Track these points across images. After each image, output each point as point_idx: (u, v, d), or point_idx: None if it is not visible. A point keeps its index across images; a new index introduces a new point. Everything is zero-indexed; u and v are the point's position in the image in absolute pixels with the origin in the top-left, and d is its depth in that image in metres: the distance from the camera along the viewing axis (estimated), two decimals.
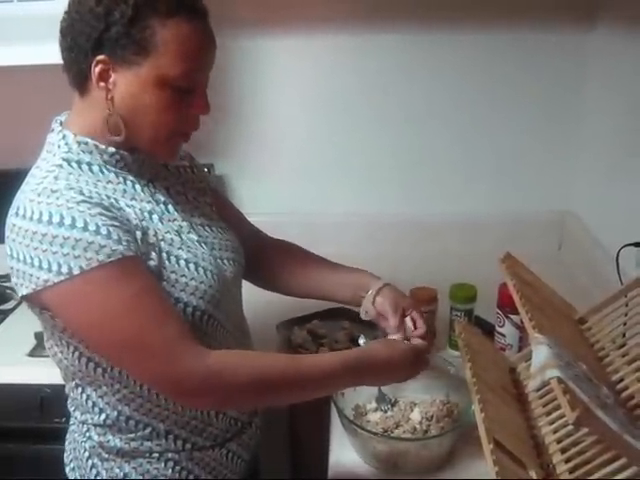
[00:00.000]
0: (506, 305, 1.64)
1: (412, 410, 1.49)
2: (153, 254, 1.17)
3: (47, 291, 1.10)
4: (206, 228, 1.34)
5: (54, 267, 1.07)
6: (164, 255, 1.19)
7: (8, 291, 2.14)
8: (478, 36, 2.09)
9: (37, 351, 1.81)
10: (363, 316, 1.47)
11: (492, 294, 1.70)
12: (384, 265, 2.08)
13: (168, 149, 1.26)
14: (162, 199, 1.27)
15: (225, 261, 1.33)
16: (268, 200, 2.24)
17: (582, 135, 2.17)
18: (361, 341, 1.48)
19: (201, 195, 1.42)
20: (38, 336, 1.83)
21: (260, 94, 2.17)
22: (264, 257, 1.55)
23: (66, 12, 1.17)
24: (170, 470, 1.30)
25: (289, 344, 1.77)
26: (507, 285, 1.46)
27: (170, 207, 1.27)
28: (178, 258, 1.21)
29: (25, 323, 1.80)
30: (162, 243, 1.20)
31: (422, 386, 1.53)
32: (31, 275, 1.10)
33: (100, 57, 1.13)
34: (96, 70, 1.14)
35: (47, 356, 1.74)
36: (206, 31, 1.19)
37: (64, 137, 1.21)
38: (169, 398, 1.23)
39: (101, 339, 1.14)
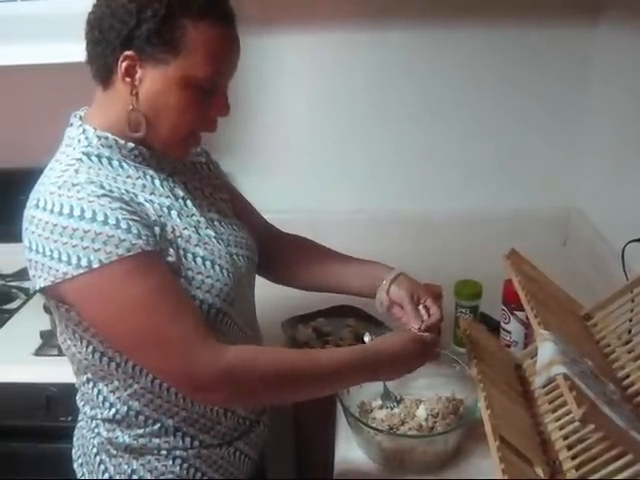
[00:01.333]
0: (511, 301, 1.64)
1: (418, 407, 1.49)
2: (171, 250, 1.18)
3: (66, 284, 1.10)
4: (222, 224, 1.34)
5: (73, 260, 1.08)
6: (181, 252, 1.20)
7: (14, 290, 2.14)
8: (482, 33, 2.08)
9: (43, 350, 1.81)
10: (378, 307, 1.46)
11: (497, 291, 1.69)
12: (388, 262, 2.07)
13: (182, 148, 1.27)
14: (181, 194, 1.28)
15: (240, 258, 1.33)
16: (272, 197, 2.23)
17: (587, 131, 2.16)
18: (366, 338, 1.48)
19: (217, 191, 1.42)
20: (44, 335, 1.83)
21: (265, 91, 2.17)
22: (277, 251, 1.55)
23: (95, 5, 1.18)
24: (178, 467, 1.30)
25: (294, 342, 1.77)
26: (512, 281, 1.46)
27: (188, 202, 1.28)
28: (195, 255, 1.21)
29: (31, 322, 1.81)
30: (180, 240, 1.20)
31: (428, 383, 1.53)
32: (50, 267, 1.10)
33: (128, 53, 1.14)
34: (123, 65, 1.14)
35: (53, 355, 1.77)
36: (234, 35, 1.20)
37: (84, 131, 1.21)
38: (186, 394, 1.24)
39: (118, 333, 1.14)
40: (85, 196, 1.10)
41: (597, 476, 1.08)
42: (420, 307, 1.42)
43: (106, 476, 1.31)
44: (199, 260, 1.21)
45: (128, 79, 1.15)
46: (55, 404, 1.75)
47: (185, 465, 1.30)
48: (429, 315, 1.40)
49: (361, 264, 1.52)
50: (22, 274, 2.18)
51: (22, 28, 1.77)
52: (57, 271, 1.09)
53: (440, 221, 2.26)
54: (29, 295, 2.10)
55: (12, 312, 2.04)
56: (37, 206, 1.12)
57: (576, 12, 2.05)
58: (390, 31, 2.09)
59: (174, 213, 1.23)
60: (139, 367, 1.21)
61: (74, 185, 1.12)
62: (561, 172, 2.24)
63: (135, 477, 1.29)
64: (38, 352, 1.81)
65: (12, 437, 1.82)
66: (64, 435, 1.46)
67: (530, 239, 1.98)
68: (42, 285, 1.13)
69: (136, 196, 1.18)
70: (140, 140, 1.22)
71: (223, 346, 1.15)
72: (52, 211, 1.10)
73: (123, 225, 1.09)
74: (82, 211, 1.08)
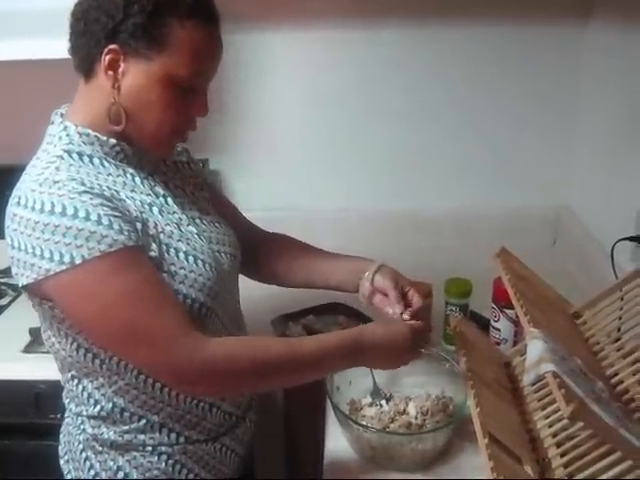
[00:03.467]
0: (501, 300, 1.64)
1: (407, 405, 1.49)
2: (153, 245, 1.18)
3: (49, 280, 1.10)
4: (204, 222, 1.34)
5: (56, 256, 1.08)
6: (164, 247, 1.20)
7: (3, 287, 2.14)
8: (474, 32, 2.08)
9: (32, 347, 1.81)
10: (360, 298, 1.46)
11: (487, 289, 1.70)
12: (379, 260, 2.08)
13: (167, 147, 1.28)
14: (161, 192, 1.28)
15: (222, 254, 1.33)
16: (262, 195, 2.24)
17: (577, 130, 2.17)
18: None
19: (198, 190, 1.42)
20: (33, 332, 1.83)
21: (255, 89, 2.17)
22: (260, 250, 1.55)
23: None
24: (164, 464, 1.30)
25: None
26: (502, 280, 1.46)
27: (169, 200, 1.28)
28: (177, 250, 1.21)
29: (20, 319, 1.80)
30: (162, 235, 1.20)
31: (417, 381, 1.54)
32: (32, 265, 1.10)
33: (112, 46, 1.14)
34: (106, 58, 1.14)
35: (42, 352, 1.76)
36: (217, 37, 1.21)
37: (65, 128, 1.21)
38: (171, 387, 1.24)
39: (102, 328, 1.14)
40: (66, 193, 1.10)
41: (586, 473, 1.08)
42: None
43: (92, 473, 1.31)
44: (182, 255, 1.21)
45: (111, 72, 1.16)
46: (44, 401, 1.75)
47: (171, 461, 1.30)
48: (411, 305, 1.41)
49: (343, 259, 1.53)
50: (11, 270, 2.17)
51: (18, 23, 1.78)
52: (40, 268, 1.09)
53: (430, 219, 2.26)
54: (18, 292, 2.09)
55: (1, 309, 2.03)
56: (18, 204, 1.12)
57: (567, 11, 2.05)
58: (381, 29, 2.09)
59: (155, 210, 1.23)
60: (124, 363, 1.21)
61: (55, 182, 1.11)
62: (551, 171, 2.24)
63: (121, 473, 1.29)
64: (27, 349, 1.81)
65: (1, 434, 1.81)
66: (53, 432, 1.45)
67: (520, 237, 1.98)
68: (25, 282, 1.13)
69: (117, 193, 1.18)
70: (122, 137, 1.22)
71: (206, 337, 1.15)
72: (33, 208, 1.09)
73: (105, 221, 1.09)
74: (63, 208, 1.08)
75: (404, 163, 2.25)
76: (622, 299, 1.44)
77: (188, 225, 1.28)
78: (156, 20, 1.13)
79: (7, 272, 2.16)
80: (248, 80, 2.14)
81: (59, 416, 1.45)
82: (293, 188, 2.28)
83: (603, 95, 1.99)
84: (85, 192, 1.11)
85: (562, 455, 1.16)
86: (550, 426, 1.22)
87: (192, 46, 1.15)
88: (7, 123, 2.10)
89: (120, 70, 1.16)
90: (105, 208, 1.11)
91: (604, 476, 1.06)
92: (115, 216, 1.11)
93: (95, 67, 1.17)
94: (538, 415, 1.29)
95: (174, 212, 1.27)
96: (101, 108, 1.19)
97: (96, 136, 1.21)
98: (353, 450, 1.43)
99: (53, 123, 1.25)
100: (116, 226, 1.10)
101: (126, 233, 1.11)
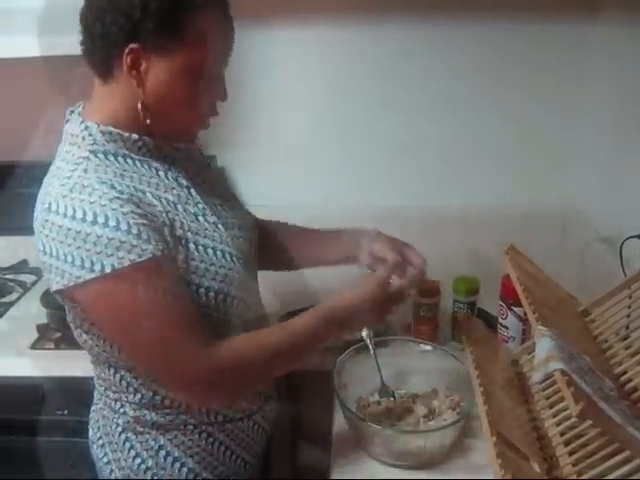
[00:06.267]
0: (509, 297, 1.64)
1: (415, 403, 1.49)
2: (180, 247, 1.19)
3: (79, 287, 1.12)
4: (224, 208, 1.36)
5: (87, 264, 1.10)
6: (190, 245, 1.21)
7: (10, 284, 2.14)
8: (479, 28, 2.07)
9: (39, 344, 1.81)
10: (364, 264, 1.49)
11: (495, 286, 1.69)
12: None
13: (192, 135, 1.32)
14: (185, 183, 1.29)
15: (242, 240, 1.35)
16: (266, 191, 2.23)
17: (584, 127, 2.16)
18: (363, 333, 1.49)
19: (212, 175, 1.45)
20: (40, 329, 1.83)
21: (260, 86, 2.16)
22: (260, 238, 1.55)
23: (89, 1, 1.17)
24: (204, 441, 1.33)
25: None
26: (510, 277, 1.46)
27: (192, 191, 1.29)
28: (203, 246, 1.23)
29: (27, 316, 1.81)
30: (189, 234, 1.22)
31: (425, 379, 1.53)
32: (64, 271, 1.12)
33: (133, 46, 1.14)
34: (128, 59, 1.15)
35: (49, 349, 1.77)
36: (231, 21, 1.23)
37: (87, 128, 1.21)
38: (185, 401, 1.29)
39: (126, 337, 1.18)
40: (97, 199, 1.11)
41: (594, 472, 1.08)
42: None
43: (132, 453, 1.33)
44: (204, 249, 1.23)
45: (134, 72, 1.16)
46: (51, 398, 1.75)
47: (211, 439, 1.34)
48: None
49: (340, 233, 1.56)
50: (19, 267, 2.18)
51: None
52: (71, 275, 1.11)
53: (438, 217, 2.25)
54: (26, 288, 2.10)
55: (8, 305, 2.03)
56: (49, 210, 1.13)
57: (574, 8, 2.04)
58: (385, 25, 2.08)
59: (180, 207, 1.24)
60: None
61: (85, 187, 1.13)
62: (559, 169, 2.23)
63: (162, 452, 1.32)
64: (34, 346, 1.81)
65: (7, 430, 1.81)
66: (59, 428, 1.46)
67: (528, 236, 1.97)
68: (55, 288, 1.15)
69: (144, 194, 1.19)
70: (143, 130, 1.22)
71: (214, 346, 1.19)
72: (65, 215, 1.11)
73: (134, 230, 1.11)
74: (95, 215, 1.10)
75: (411, 160, 2.24)
76: (630, 297, 1.43)
77: (212, 215, 1.29)
78: (174, 14, 1.13)
79: (14, 268, 2.17)
80: (253, 77, 2.13)
81: (65, 412, 1.45)
82: (296, 185, 2.27)
83: (610, 93, 1.98)
84: (116, 198, 1.12)
85: (570, 453, 1.15)
86: (558, 424, 1.21)
87: (210, 34, 1.17)
88: (11, 120, 2.10)
89: (142, 68, 1.16)
90: (135, 216, 1.12)
91: (612, 475, 1.05)
92: (144, 224, 1.13)
93: (114, 67, 1.17)
94: (546, 413, 1.29)
95: (197, 202, 1.28)
96: (122, 107, 1.20)
97: (119, 133, 1.21)
98: (361, 448, 1.42)
99: (69, 122, 1.25)
100: (145, 235, 1.12)
101: (154, 242, 1.13)
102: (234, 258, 1.27)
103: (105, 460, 1.37)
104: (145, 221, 1.14)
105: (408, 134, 2.21)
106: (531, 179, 2.24)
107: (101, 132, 1.20)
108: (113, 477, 1.35)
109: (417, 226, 2.23)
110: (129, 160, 1.22)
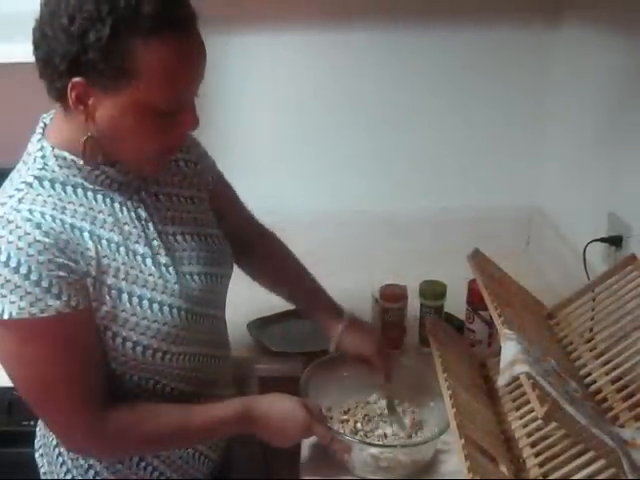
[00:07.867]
0: (475, 301, 1.65)
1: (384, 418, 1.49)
2: (107, 298, 1.12)
3: None
4: (193, 238, 1.29)
5: None
6: (124, 296, 1.14)
7: None
8: (447, 33, 2.09)
9: None
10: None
11: (461, 291, 1.71)
12: (353, 263, 2.09)
13: (153, 167, 1.20)
14: (143, 216, 1.21)
15: (201, 278, 1.28)
16: (244, 198, 2.22)
17: (548, 132, 2.19)
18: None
19: (197, 191, 1.36)
20: None
21: (232, 93, 2.15)
22: (249, 248, 1.54)
23: (37, 20, 1.06)
24: (135, 466, 1.29)
25: (260, 343, 1.76)
26: (476, 281, 1.47)
27: (150, 225, 1.21)
28: (141, 298, 1.16)
29: None
30: (123, 283, 1.14)
31: (409, 391, 1.53)
32: None
33: (76, 80, 1.03)
34: (73, 94, 1.05)
35: None
36: (195, 43, 1.08)
37: (42, 149, 1.14)
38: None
39: (14, 382, 1.15)
40: (15, 240, 1.04)
41: (560, 473, 1.10)
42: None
43: (64, 469, 1.30)
44: (135, 300, 1.15)
45: (81, 107, 1.06)
46: (17, 408, 1.72)
47: (142, 464, 1.29)
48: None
49: (314, 302, 1.53)
50: None
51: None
52: None
53: (404, 222, 2.27)
54: None
55: None
56: None
57: (538, 14, 2.07)
58: (356, 32, 2.09)
59: (123, 250, 1.15)
60: None
61: (9, 222, 1.05)
62: (523, 173, 2.26)
63: (91, 472, 1.28)
64: None
65: None
66: (27, 439, 1.44)
67: (493, 240, 1.99)
68: None
69: (81, 233, 1.11)
70: (103, 159, 1.14)
71: (102, 417, 1.17)
72: None
73: (44, 283, 1.05)
74: (8, 257, 1.04)
75: (377, 165, 2.25)
76: (594, 300, 1.45)
77: (165, 254, 1.21)
78: (116, 46, 1.01)
79: None
80: (226, 84, 2.13)
81: (32, 423, 1.43)
82: (267, 192, 2.26)
83: (574, 97, 2.01)
84: (36, 242, 1.04)
85: (537, 455, 1.17)
86: (525, 426, 1.23)
87: (164, 67, 1.03)
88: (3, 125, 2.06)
89: (90, 102, 1.06)
90: (51, 266, 1.05)
91: (578, 475, 1.07)
92: (59, 277, 1.06)
93: (65, 98, 1.06)
94: (513, 415, 1.30)
95: (153, 239, 1.21)
96: (79, 134, 1.10)
97: (73, 160, 1.13)
98: (332, 457, 1.41)
99: (35, 133, 1.17)
100: (55, 290, 1.05)
101: (64, 298, 1.06)
102: (173, 310, 1.19)
103: (42, 470, 1.36)
104: (62, 273, 1.06)
105: (375, 141, 2.23)
106: (496, 184, 2.27)
107: (55, 156, 1.13)
108: None
109: (384, 231, 2.25)
110: (79, 190, 1.14)
